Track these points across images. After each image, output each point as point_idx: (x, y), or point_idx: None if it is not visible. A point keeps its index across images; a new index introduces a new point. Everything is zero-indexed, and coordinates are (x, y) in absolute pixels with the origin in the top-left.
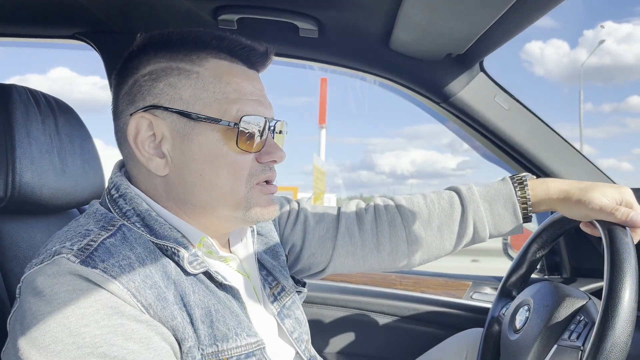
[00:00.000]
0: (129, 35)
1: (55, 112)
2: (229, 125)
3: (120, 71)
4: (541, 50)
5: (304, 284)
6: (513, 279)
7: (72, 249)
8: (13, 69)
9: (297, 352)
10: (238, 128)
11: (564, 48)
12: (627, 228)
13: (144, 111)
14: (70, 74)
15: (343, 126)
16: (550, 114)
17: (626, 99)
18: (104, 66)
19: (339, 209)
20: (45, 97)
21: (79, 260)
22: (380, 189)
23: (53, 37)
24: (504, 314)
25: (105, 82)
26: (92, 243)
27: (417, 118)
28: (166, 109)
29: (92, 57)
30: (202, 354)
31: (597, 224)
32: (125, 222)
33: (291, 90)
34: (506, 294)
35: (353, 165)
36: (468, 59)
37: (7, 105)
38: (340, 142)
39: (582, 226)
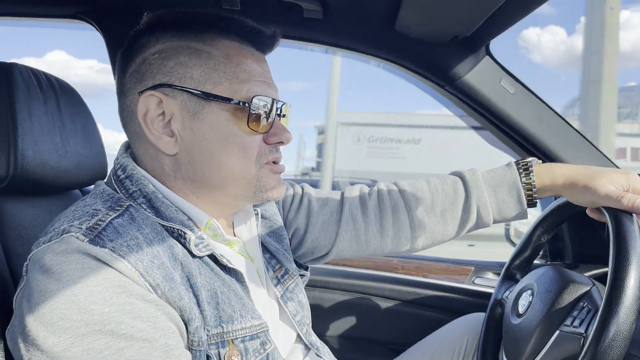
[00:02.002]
0: (132, 15)
1: (57, 92)
2: (239, 104)
3: (127, 49)
4: (538, 37)
5: (306, 268)
6: (517, 262)
7: (81, 228)
8: (9, 53)
9: (298, 335)
10: (249, 108)
11: (561, 35)
12: (633, 215)
13: (153, 89)
14: (66, 57)
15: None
16: (549, 101)
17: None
18: (106, 46)
19: (342, 193)
20: (47, 76)
21: (87, 239)
22: None
23: (54, 17)
24: (507, 297)
25: (102, 65)
26: (100, 223)
27: (415, 105)
28: (176, 87)
29: (88, 40)
30: (207, 335)
31: (604, 211)
32: (132, 204)
33: (289, 75)
34: (510, 277)
35: None
36: (474, 42)
37: (9, 84)
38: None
39: (588, 212)
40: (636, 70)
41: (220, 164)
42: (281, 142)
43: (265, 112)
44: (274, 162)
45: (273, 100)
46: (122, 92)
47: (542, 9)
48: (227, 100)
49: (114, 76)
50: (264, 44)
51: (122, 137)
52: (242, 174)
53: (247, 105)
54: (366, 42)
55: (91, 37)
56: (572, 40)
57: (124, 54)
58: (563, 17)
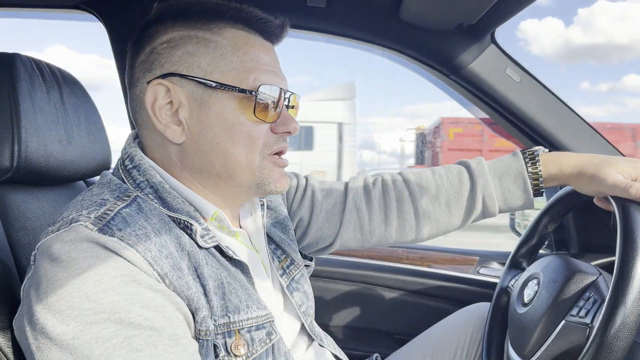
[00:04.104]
0: (134, 5)
1: (60, 82)
2: (246, 93)
3: (137, 40)
4: (536, 29)
5: (311, 259)
6: (523, 250)
7: (90, 217)
8: (9, 47)
9: (302, 326)
10: (255, 97)
11: (558, 27)
12: None
13: (161, 78)
14: (67, 51)
15: None
16: None
17: (623, 79)
18: (108, 37)
19: (346, 184)
20: (50, 67)
21: (96, 228)
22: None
23: (56, 7)
24: (513, 286)
25: (103, 60)
26: (108, 212)
27: (417, 97)
28: (184, 76)
29: (89, 34)
30: (214, 325)
31: (611, 200)
32: (139, 194)
33: (291, 69)
34: (516, 265)
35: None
36: (479, 29)
37: (12, 74)
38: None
39: (595, 201)
40: (635, 62)
41: (226, 153)
42: (289, 132)
43: (273, 101)
44: (280, 153)
45: (281, 89)
46: (132, 82)
47: (540, 0)
48: (234, 88)
49: (117, 67)
50: (272, 34)
51: (124, 130)
52: (247, 164)
53: (253, 93)
54: (370, 31)
55: (92, 32)
56: (570, 32)
57: (133, 45)
58: (560, 9)
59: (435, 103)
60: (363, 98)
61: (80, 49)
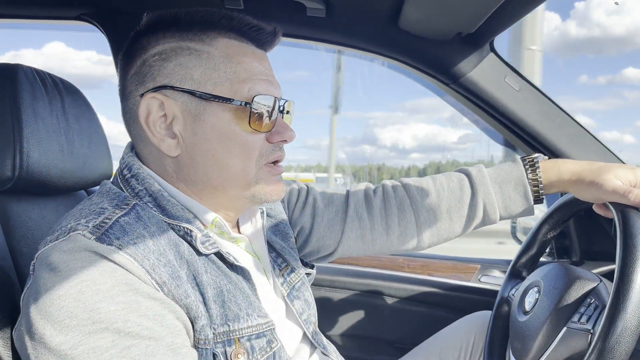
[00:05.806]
0: (136, 15)
1: (62, 92)
2: (241, 104)
3: (128, 51)
4: None
5: (312, 266)
6: (523, 259)
7: (88, 226)
8: (8, 44)
9: (304, 334)
10: (250, 108)
11: (555, 20)
12: None
13: (154, 91)
14: (65, 49)
15: (342, 100)
16: (547, 87)
17: (621, 71)
18: (110, 47)
19: (347, 191)
20: (52, 77)
21: (94, 237)
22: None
23: (58, 19)
24: (513, 295)
25: (100, 57)
26: (107, 221)
27: (418, 92)
28: (177, 89)
29: (87, 31)
30: (214, 333)
31: (610, 206)
32: (138, 202)
33: (288, 65)
34: (516, 274)
35: (355, 140)
36: (478, 38)
37: (14, 85)
38: (340, 116)
39: (595, 208)
40: (633, 55)
41: (222, 164)
42: (284, 141)
43: (268, 110)
44: (276, 162)
45: (275, 98)
46: (124, 94)
47: None
48: (228, 100)
49: (119, 77)
50: (264, 41)
51: (122, 128)
52: (243, 175)
53: (248, 105)
54: (370, 40)
55: (89, 30)
56: (567, 25)
57: (124, 56)
58: (557, 3)
59: (435, 98)
60: (363, 93)
61: (78, 46)
